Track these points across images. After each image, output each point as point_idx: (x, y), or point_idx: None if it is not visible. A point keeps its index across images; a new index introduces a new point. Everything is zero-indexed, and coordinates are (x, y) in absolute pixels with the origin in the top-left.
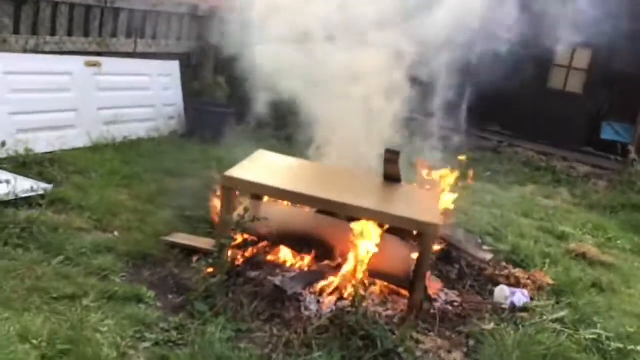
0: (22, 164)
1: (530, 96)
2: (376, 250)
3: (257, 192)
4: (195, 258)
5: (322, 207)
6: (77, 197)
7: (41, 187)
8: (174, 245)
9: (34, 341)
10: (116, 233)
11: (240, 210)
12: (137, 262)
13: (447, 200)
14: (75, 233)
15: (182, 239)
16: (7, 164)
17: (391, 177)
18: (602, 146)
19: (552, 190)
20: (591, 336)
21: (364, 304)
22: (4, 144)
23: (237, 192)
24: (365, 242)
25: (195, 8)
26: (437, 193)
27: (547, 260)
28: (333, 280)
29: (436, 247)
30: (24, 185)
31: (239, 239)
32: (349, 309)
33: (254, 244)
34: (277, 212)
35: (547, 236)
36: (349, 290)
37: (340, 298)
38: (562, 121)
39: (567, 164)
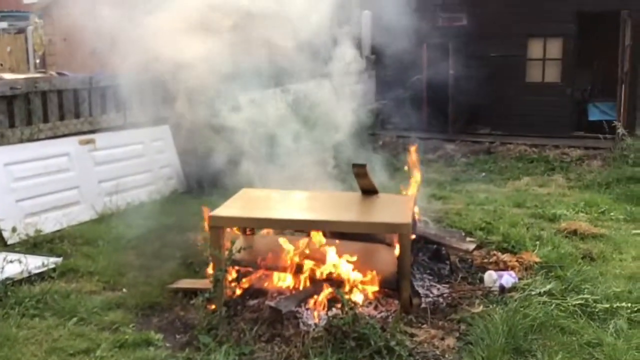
0: (33, 245)
1: (513, 94)
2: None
3: (241, 225)
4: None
5: (302, 228)
6: (86, 265)
7: (51, 261)
8: (177, 291)
9: None
10: (124, 290)
11: (228, 245)
12: (146, 312)
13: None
14: (87, 296)
15: (185, 283)
16: (19, 246)
17: (367, 190)
18: (592, 128)
19: (547, 178)
20: (578, 301)
21: (355, 309)
22: (14, 229)
23: (225, 229)
24: (347, 253)
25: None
26: (410, 197)
27: (538, 242)
28: (324, 294)
29: (423, 247)
30: (36, 262)
31: (234, 272)
32: (340, 315)
33: (248, 274)
34: (269, 242)
35: (539, 221)
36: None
37: (332, 308)
38: (548, 111)
39: (559, 151)
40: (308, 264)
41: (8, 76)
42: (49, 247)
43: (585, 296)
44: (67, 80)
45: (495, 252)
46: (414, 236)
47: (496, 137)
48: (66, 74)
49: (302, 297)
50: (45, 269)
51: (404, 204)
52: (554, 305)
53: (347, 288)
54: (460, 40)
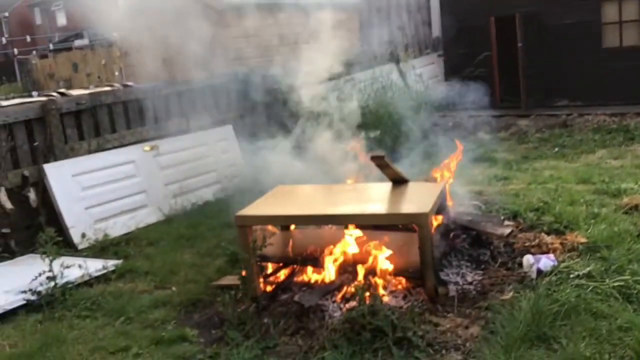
0: (101, 249)
1: (590, 62)
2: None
3: (265, 223)
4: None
5: (322, 223)
6: (144, 265)
7: (110, 264)
8: (220, 287)
9: None
10: (173, 288)
11: (257, 241)
12: (189, 309)
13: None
14: (138, 296)
15: (227, 280)
16: (87, 251)
17: (394, 179)
18: None
19: (624, 149)
20: (618, 283)
21: (375, 301)
22: (83, 235)
23: (253, 227)
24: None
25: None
26: (439, 184)
27: (593, 221)
28: (349, 287)
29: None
30: (96, 266)
31: (266, 268)
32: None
33: (278, 270)
34: (304, 236)
35: (602, 197)
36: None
37: (350, 300)
38: (628, 77)
39: None
40: (336, 257)
41: (74, 92)
42: (114, 250)
43: (626, 277)
44: (130, 91)
45: (539, 234)
46: (435, 224)
47: (574, 109)
48: (131, 85)
49: (327, 290)
50: (105, 271)
51: (431, 192)
52: (590, 288)
53: (372, 280)
54: (528, 10)
